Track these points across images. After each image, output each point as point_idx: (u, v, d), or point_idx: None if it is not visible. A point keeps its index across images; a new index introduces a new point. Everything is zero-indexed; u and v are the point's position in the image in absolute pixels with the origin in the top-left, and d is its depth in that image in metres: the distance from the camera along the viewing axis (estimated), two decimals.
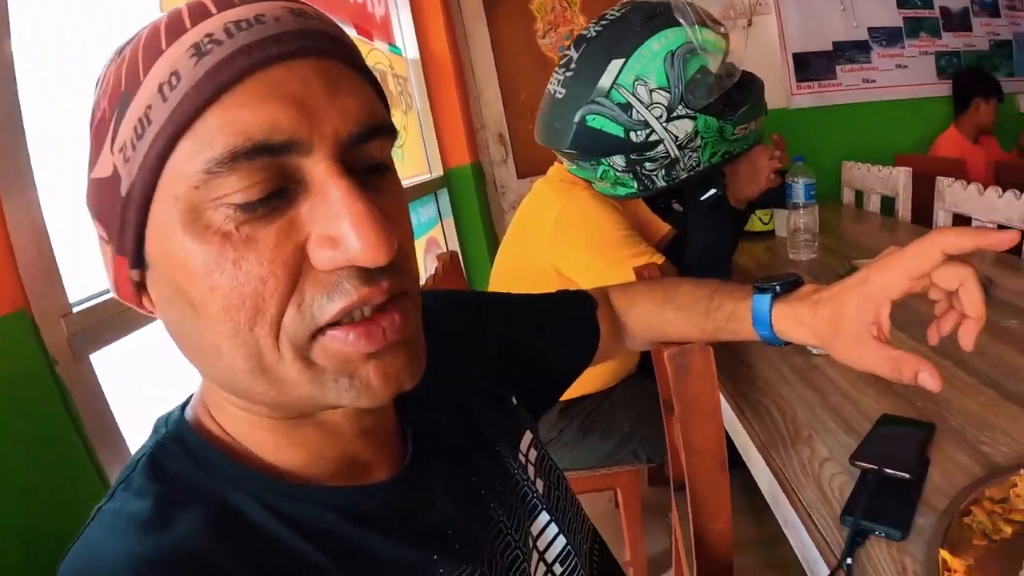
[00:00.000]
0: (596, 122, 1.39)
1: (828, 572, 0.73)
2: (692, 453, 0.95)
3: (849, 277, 0.70)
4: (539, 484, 0.69)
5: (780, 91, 3.28)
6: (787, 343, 0.79)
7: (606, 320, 0.92)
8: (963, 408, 0.97)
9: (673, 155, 1.39)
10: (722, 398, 1.16)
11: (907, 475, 0.80)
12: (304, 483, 0.51)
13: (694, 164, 1.42)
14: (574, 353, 0.90)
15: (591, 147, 1.43)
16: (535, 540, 0.64)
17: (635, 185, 1.47)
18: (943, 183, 2.10)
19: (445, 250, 2.08)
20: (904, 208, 2.42)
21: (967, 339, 0.63)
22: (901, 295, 0.65)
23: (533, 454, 0.73)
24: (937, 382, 0.63)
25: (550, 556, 0.64)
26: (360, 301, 0.44)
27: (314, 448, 0.52)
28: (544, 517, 0.66)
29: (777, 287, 0.79)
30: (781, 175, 1.94)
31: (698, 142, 1.39)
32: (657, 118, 1.35)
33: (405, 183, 2.48)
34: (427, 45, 3.01)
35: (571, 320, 0.90)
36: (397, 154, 2.49)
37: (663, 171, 1.43)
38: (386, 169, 0.49)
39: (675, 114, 1.35)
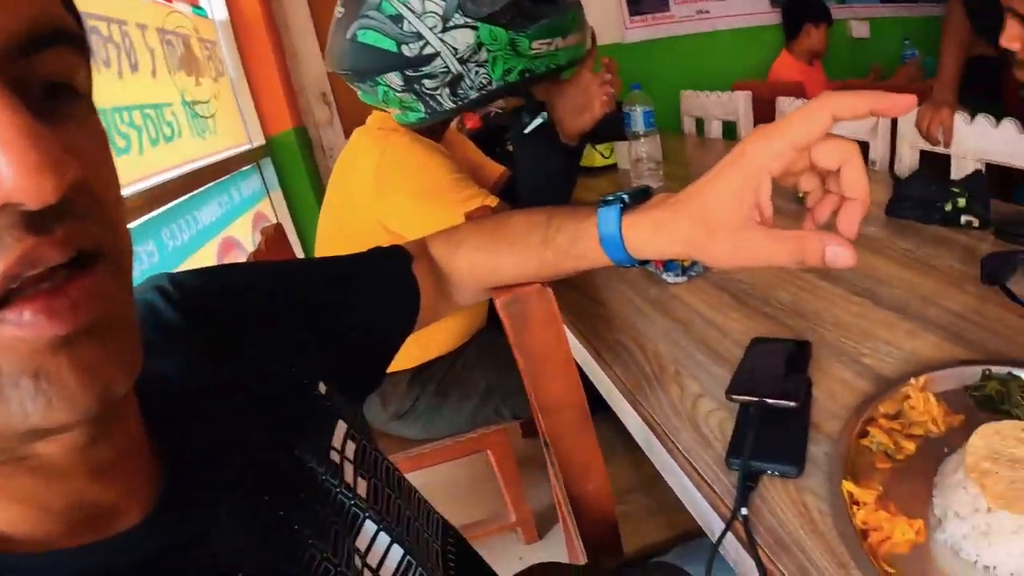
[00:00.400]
0: (367, 37, 1.26)
1: (722, 526, 0.61)
2: (547, 413, 0.82)
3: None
4: (361, 486, 0.57)
5: (613, 26, 3.23)
6: (642, 263, 0.67)
7: (426, 273, 0.78)
8: (837, 321, 0.91)
9: (455, 70, 1.27)
10: (575, 342, 1.05)
11: (792, 403, 0.70)
12: (27, 550, 0.37)
13: (484, 82, 1.30)
14: (391, 317, 0.76)
15: (365, 66, 1.30)
16: (364, 557, 0.52)
17: (422, 108, 1.35)
18: (784, 102, 2.14)
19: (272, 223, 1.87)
20: (746, 132, 2.44)
21: (849, 223, 0.54)
22: (782, 169, 0.54)
23: (351, 448, 0.58)
24: (851, 253, 0.53)
25: (386, 572, 0.54)
26: (25, 258, 0.31)
27: (34, 501, 0.38)
28: (370, 527, 0.54)
29: (625, 197, 0.67)
30: (619, 105, 1.85)
31: (484, 56, 1.27)
32: (431, 28, 1.23)
33: (222, 155, 2.26)
34: (235, 3, 2.74)
35: (383, 278, 0.76)
36: (208, 125, 2.21)
37: (447, 89, 1.31)
38: (74, 95, 0.36)
39: (451, 23, 1.23)
